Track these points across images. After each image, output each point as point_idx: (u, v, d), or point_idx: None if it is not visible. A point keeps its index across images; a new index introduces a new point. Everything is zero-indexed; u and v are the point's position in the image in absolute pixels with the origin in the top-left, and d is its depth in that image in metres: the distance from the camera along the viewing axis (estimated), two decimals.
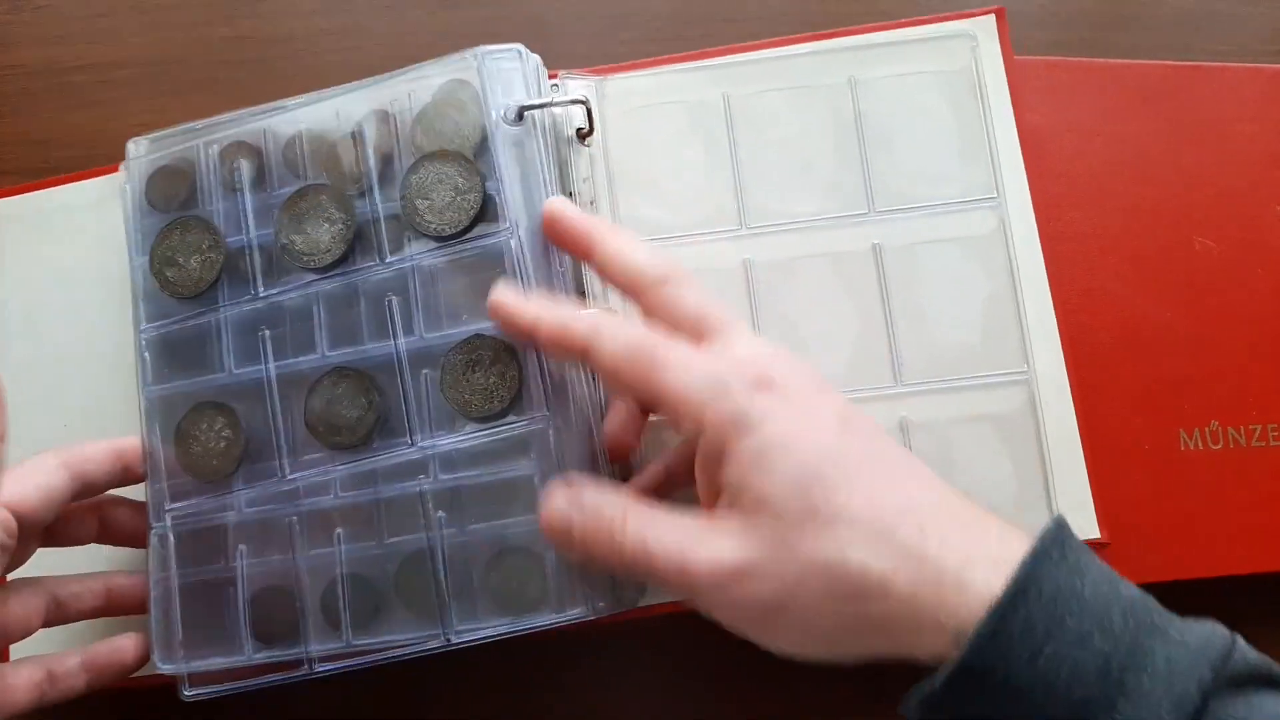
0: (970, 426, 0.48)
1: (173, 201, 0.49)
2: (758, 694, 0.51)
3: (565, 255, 0.47)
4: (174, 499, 0.46)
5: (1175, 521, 0.49)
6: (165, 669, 0.45)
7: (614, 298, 0.48)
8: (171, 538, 0.46)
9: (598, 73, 0.51)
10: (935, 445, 0.48)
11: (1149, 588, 0.34)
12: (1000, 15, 0.51)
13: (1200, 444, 0.49)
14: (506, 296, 0.42)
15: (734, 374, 0.37)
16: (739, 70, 0.51)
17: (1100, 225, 0.51)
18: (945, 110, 0.51)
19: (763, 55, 0.51)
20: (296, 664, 0.45)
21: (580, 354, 0.39)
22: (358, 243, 0.47)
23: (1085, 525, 0.47)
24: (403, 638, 0.45)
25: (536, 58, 0.49)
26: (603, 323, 0.39)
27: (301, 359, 0.47)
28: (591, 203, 0.50)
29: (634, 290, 0.41)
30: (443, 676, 0.51)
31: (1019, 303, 0.49)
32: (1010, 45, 0.51)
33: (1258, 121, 0.52)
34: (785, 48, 0.52)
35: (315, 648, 0.45)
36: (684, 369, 0.37)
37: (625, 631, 0.47)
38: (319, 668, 0.45)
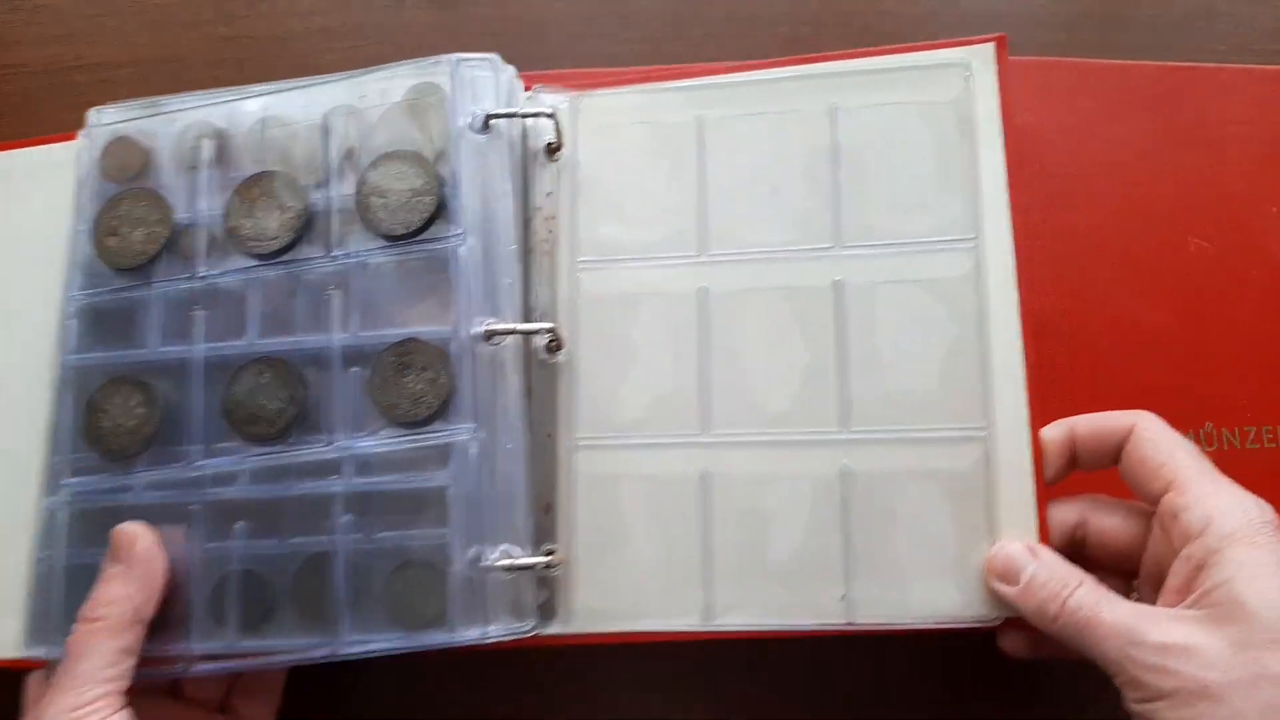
0: (916, 482, 0.44)
1: (126, 172, 0.49)
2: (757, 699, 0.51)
3: (514, 267, 0.46)
4: (74, 473, 0.45)
5: None
6: (34, 653, 0.43)
7: (563, 313, 0.47)
8: (65, 515, 0.44)
9: (575, 87, 0.49)
10: (877, 497, 0.44)
11: None
12: (1001, 44, 0.47)
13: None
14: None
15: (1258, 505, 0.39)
16: (717, 92, 0.49)
17: (1096, 225, 0.50)
18: (929, 144, 0.47)
19: (744, 78, 0.48)
20: (173, 660, 0.43)
21: None
22: (307, 234, 0.46)
23: None
24: (289, 643, 0.43)
25: (511, 70, 0.49)
26: None
27: (230, 344, 0.46)
28: (553, 218, 0.48)
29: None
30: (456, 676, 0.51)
31: (984, 352, 0.44)
32: (1009, 77, 0.46)
33: (1254, 123, 0.52)
34: (769, 70, 0.48)
35: (197, 645, 0.43)
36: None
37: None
38: (197, 668, 0.43)
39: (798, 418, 0.45)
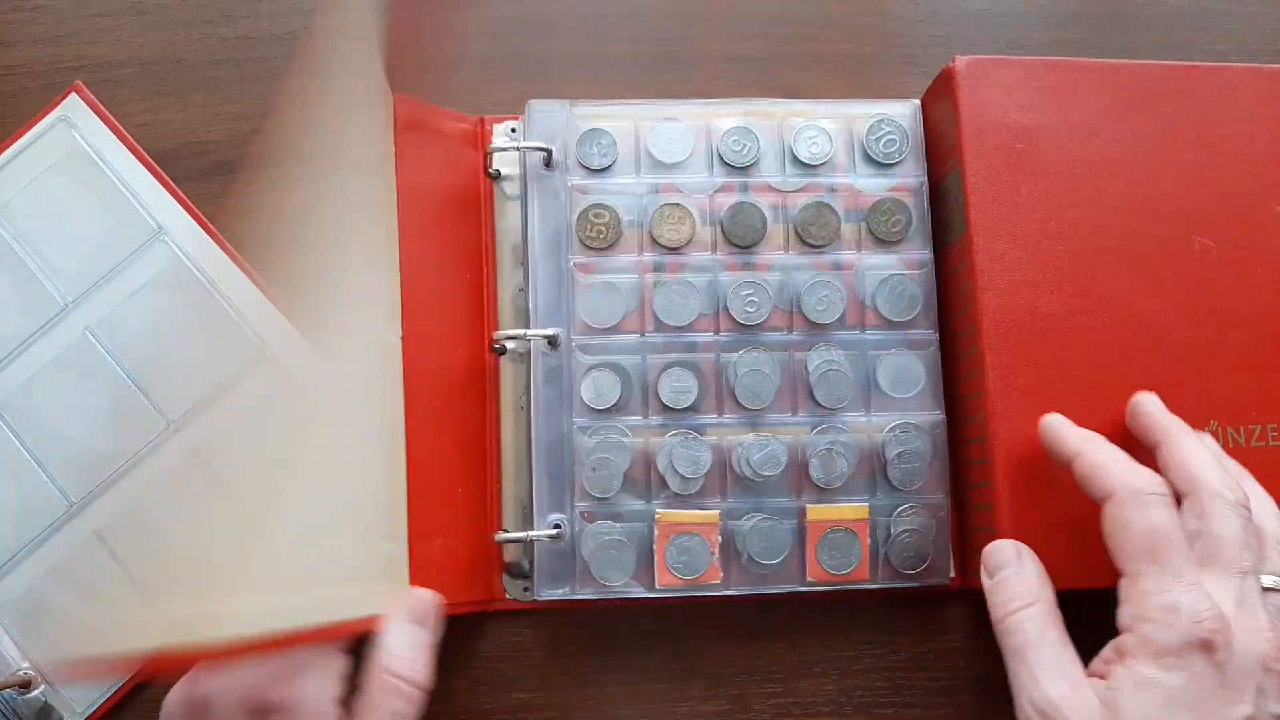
0: None
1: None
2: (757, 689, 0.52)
3: None
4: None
5: None
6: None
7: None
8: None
9: None
10: None
11: None
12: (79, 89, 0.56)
13: None
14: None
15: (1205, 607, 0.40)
16: None
17: (1099, 225, 0.50)
18: (84, 191, 0.54)
19: None
20: None
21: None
22: None
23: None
24: None
25: None
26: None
27: None
28: None
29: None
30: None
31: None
32: (101, 104, 0.56)
33: (1257, 121, 0.51)
34: None
35: None
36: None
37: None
38: None
39: None
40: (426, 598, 0.44)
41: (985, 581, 0.44)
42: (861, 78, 0.58)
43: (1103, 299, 0.49)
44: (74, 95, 0.56)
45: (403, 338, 0.48)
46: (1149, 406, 0.46)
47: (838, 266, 0.51)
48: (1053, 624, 0.42)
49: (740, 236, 0.50)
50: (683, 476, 0.49)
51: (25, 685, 0.50)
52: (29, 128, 0.55)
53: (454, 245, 0.52)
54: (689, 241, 0.50)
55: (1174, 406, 0.46)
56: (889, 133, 0.52)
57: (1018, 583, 0.43)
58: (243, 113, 0.57)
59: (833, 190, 0.51)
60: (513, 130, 0.54)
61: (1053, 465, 0.45)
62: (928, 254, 0.51)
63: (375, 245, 0.48)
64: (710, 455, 0.49)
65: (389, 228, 0.48)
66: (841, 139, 0.52)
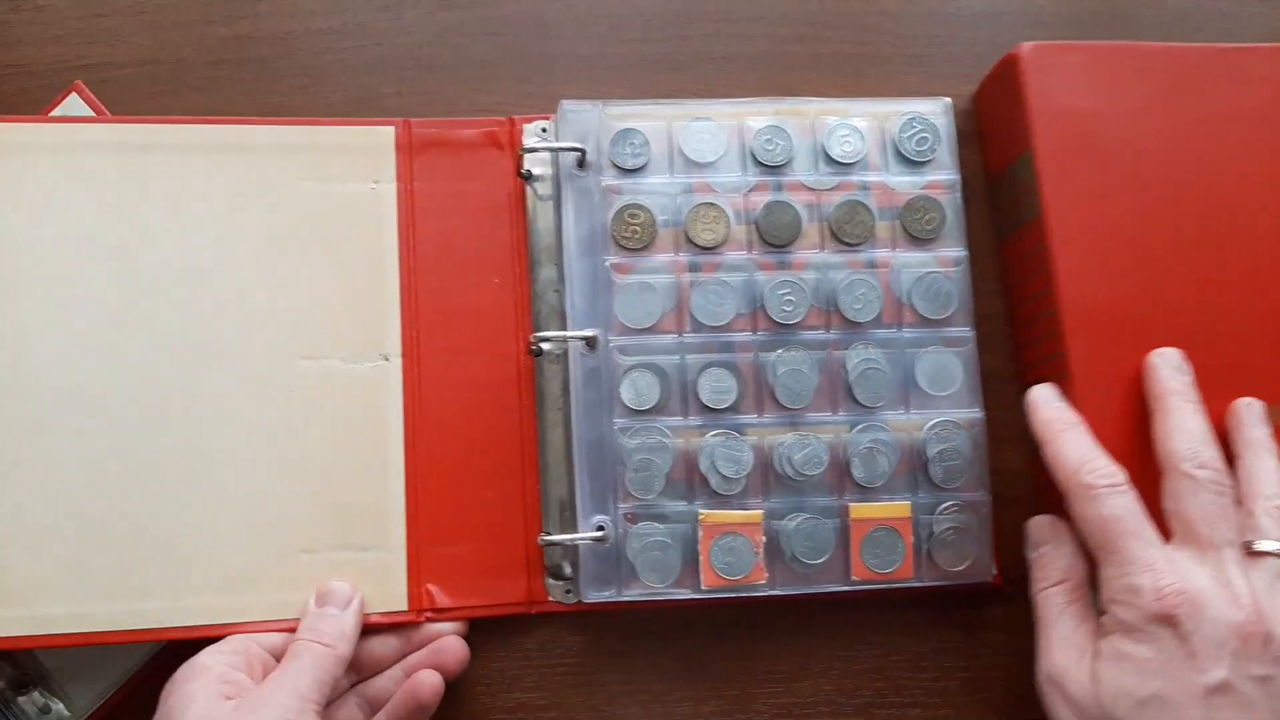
0: None
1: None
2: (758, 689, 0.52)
3: None
4: None
5: None
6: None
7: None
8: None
9: None
10: None
11: None
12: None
13: None
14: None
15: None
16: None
17: (1166, 206, 0.50)
18: None
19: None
20: None
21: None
22: None
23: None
24: None
25: None
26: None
27: None
28: None
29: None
30: None
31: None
32: (101, 104, 0.54)
33: None
34: None
35: None
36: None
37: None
38: None
39: None
40: (339, 588, 0.47)
41: (1029, 552, 0.48)
42: (862, 78, 0.58)
43: (1174, 281, 0.49)
44: (74, 95, 0.54)
45: (405, 353, 0.50)
46: (1152, 371, 0.47)
47: (873, 265, 0.51)
48: (1076, 599, 0.45)
49: (775, 235, 0.50)
50: (725, 476, 0.48)
51: (24, 685, 0.49)
52: None
53: (482, 250, 0.52)
54: (724, 241, 0.50)
55: (1238, 390, 0.47)
56: (920, 130, 0.52)
57: (1052, 560, 0.47)
58: (243, 113, 0.56)
59: (866, 188, 0.52)
60: (543, 130, 0.53)
61: (1147, 443, 0.46)
62: (963, 252, 0.51)
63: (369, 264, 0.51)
64: (752, 455, 0.49)
65: (387, 246, 0.51)
66: (873, 137, 0.52)
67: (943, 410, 0.50)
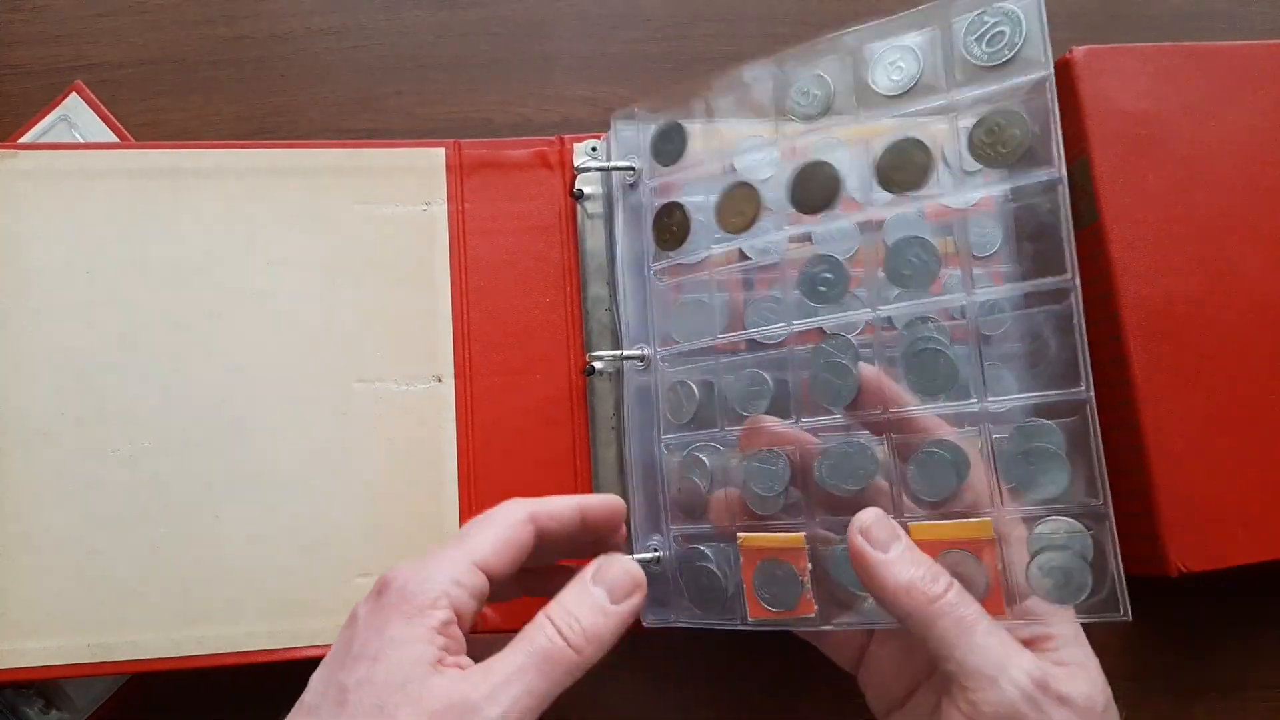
0: None
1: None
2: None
3: None
4: None
5: None
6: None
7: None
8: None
9: None
10: None
11: None
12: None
13: None
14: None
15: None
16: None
17: (1224, 206, 0.50)
18: None
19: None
20: None
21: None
22: None
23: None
24: None
25: None
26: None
27: None
28: None
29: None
30: None
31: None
32: (101, 104, 0.55)
33: None
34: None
35: None
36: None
37: None
38: None
39: None
40: (628, 573, 0.39)
41: (874, 556, 0.39)
42: None
43: (1236, 279, 0.49)
44: (74, 95, 0.54)
45: (458, 374, 0.50)
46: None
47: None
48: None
49: (810, 201, 0.43)
50: (760, 495, 0.43)
51: (25, 685, 0.50)
52: (29, 127, 0.54)
53: (533, 269, 0.52)
54: (754, 220, 0.45)
55: None
56: (996, 24, 0.42)
57: (923, 558, 0.39)
58: (243, 113, 0.57)
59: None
60: (593, 149, 0.53)
61: (1212, 442, 0.45)
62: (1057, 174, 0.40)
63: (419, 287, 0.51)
64: (787, 469, 0.42)
65: (438, 267, 0.51)
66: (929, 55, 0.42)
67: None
